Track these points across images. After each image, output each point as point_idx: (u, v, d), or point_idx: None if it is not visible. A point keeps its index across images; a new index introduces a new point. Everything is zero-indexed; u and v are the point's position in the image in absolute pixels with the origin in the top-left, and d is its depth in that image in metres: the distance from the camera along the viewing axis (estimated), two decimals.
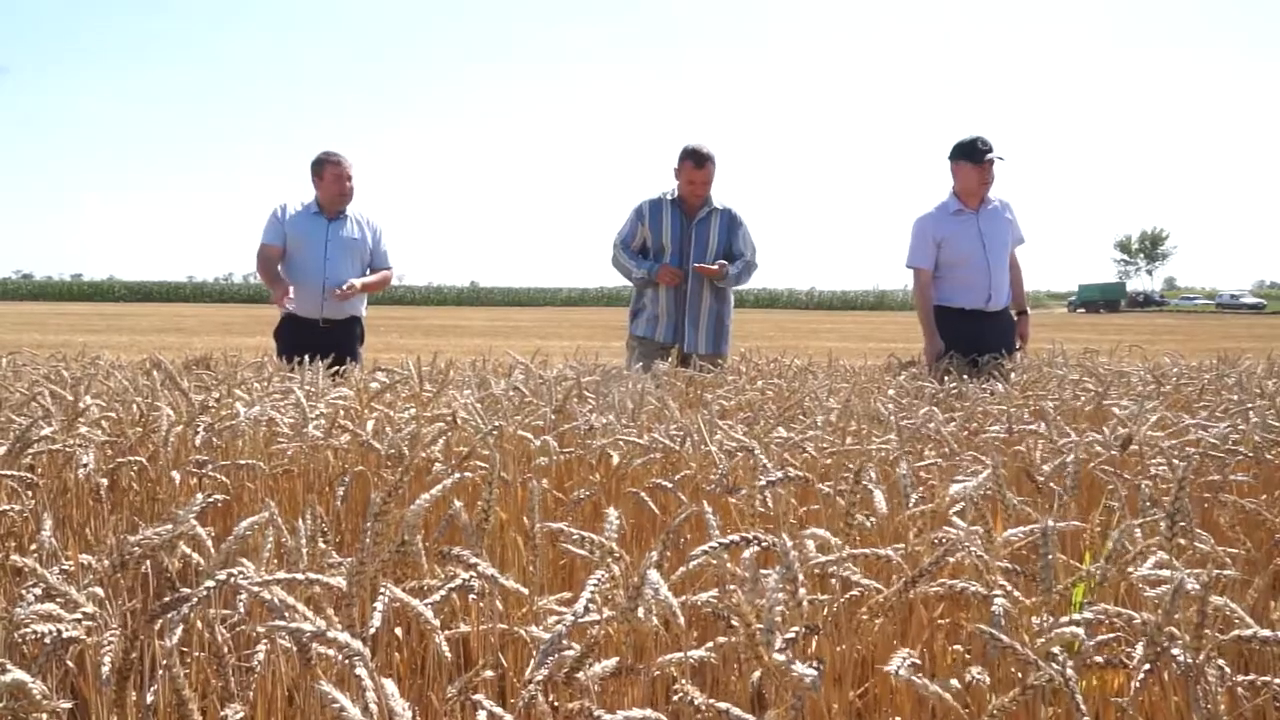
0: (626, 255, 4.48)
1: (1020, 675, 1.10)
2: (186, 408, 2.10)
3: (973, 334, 4.30)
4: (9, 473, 1.66)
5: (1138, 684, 0.90)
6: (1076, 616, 0.97)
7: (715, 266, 4.30)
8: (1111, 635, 1.02)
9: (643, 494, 1.71)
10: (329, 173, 4.46)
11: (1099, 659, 0.97)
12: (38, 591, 1.04)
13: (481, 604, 1.24)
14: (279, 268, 4.50)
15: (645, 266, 4.40)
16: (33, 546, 1.38)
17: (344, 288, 4.37)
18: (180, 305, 50.12)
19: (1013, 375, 3.48)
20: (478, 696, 0.88)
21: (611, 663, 0.93)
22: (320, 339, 4.30)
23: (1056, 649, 0.93)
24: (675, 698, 0.84)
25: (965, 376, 3.31)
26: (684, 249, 4.39)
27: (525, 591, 1.15)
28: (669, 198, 4.44)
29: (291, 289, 4.36)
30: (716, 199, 4.46)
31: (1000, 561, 1.10)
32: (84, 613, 1.01)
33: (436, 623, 0.98)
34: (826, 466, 1.87)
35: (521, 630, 1.17)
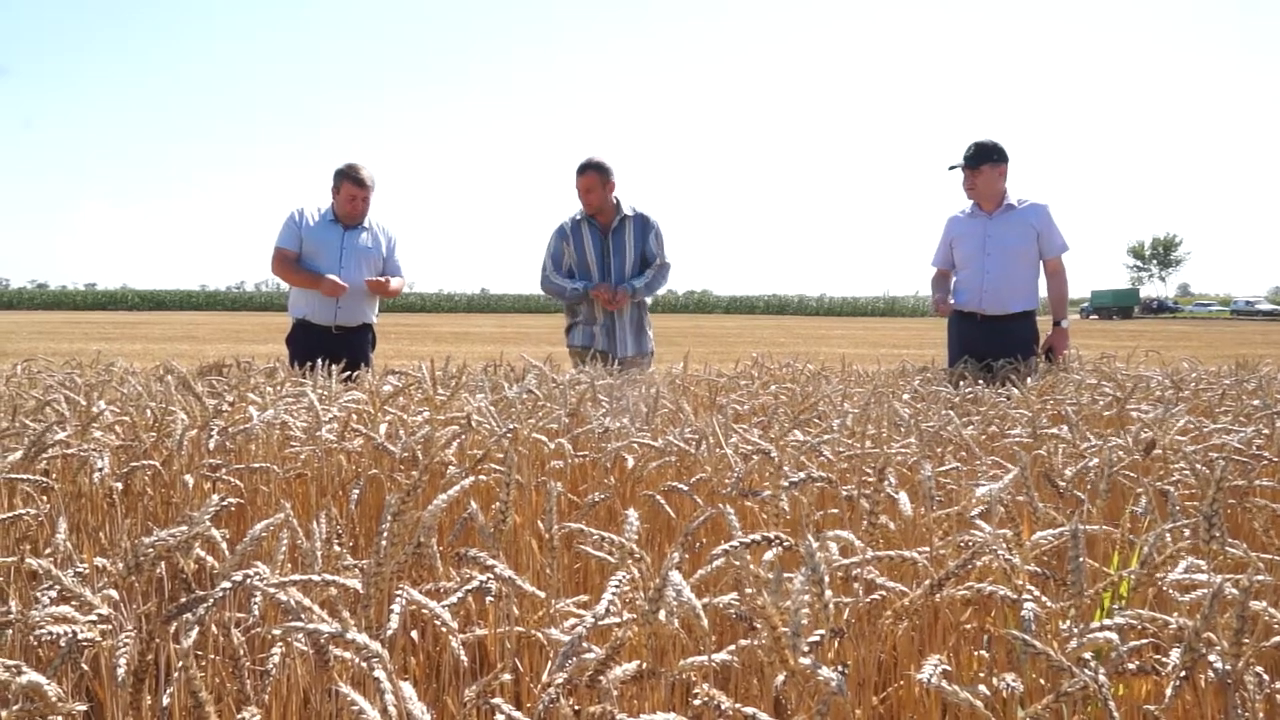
0: (559, 276, 4.64)
1: (1047, 682, 1.08)
2: (200, 412, 2.10)
3: (970, 337, 4.30)
4: (24, 476, 1.66)
5: (1172, 691, 0.88)
6: (1109, 622, 0.95)
7: (618, 296, 4.47)
8: (1143, 641, 1.00)
9: (658, 497, 1.70)
10: (345, 191, 4.44)
11: (1131, 665, 0.94)
12: (53, 594, 1.04)
13: (499, 606, 1.22)
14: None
15: (579, 284, 4.57)
16: (48, 550, 1.38)
17: (386, 283, 4.41)
18: (193, 313, 50.37)
19: (1028, 381, 3.45)
20: (496, 700, 0.87)
21: (632, 666, 0.91)
22: (332, 345, 4.30)
23: (1088, 655, 0.91)
24: (697, 701, 0.82)
25: (979, 381, 3.29)
26: (606, 262, 4.56)
27: (542, 595, 1.14)
28: (582, 215, 4.60)
29: (334, 278, 4.33)
30: (629, 205, 4.60)
31: (1028, 565, 1.08)
32: (99, 615, 1.00)
33: (454, 625, 0.97)
34: (843, 470, 1.85)
35: (538, 633, 1.15)
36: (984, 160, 4.26)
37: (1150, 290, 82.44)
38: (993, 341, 4.18)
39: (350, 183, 4.42)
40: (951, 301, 4.45)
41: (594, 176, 4.47)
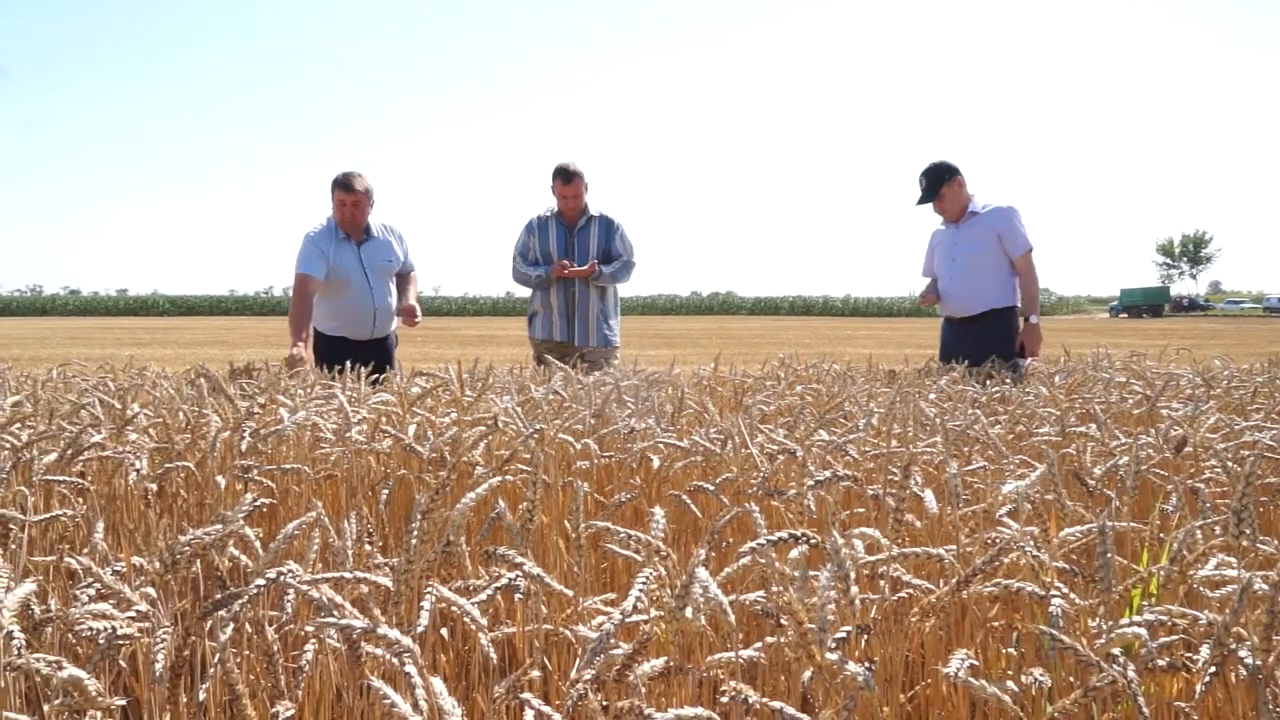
0: (524, 265, 4.94)
1: (1075, 679, 1.07)
2: (233, 414, 2.13)
3: (952, 339, 4.62)
4: (61, 478, 1.69)
5: (1203, 687, 0.87)
6: (1138, 618, 0.94)
7: (586, 267, 4.74)
8: (1173, 638, 0.99)
9: (684, 496, 1.70)
10: (335, 199, 4.41)
11: (1162, 662, 0.94)
12: (91, 591, 1.06)
13: (528, 604, 1.24)
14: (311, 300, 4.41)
15: (541, 269, 4.86)
16: (84, 550, 1.40)
17: (417, 318, 4.56)
18: (222, 318, 50.93)
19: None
20: (525, 695, 0.88)
21: (660, 662, 0.92)
22: (355, 351, 4.33)
23: (1117, 650, 0.91)
24: (725, 698, 0.83)
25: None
26: (569, 256, 4.83)
27: (570, 593, 1.15)
28: (550, 213, 4.91)
29: (298, 351, 4.16)
30: (594, 207, 4.90)
31: (1056, 562, 1.08)
32: (137, 611, 1.02)
33: (484, 622, 0.98)
34: (869, 470, 1.84)
35: (567, 630, 1.16)
36: (940, 185, 4.56)
37: (1180, 288, 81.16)
38: (970, 341, 4.45)
39: (339, 189, 4.39)
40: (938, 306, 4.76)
41: (581, 184, 4.80)
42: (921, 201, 4.62)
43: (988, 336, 4.45)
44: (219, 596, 0.94)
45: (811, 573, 0.97)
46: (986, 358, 4.00)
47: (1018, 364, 4.29)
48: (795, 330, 28.78)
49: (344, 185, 4.40)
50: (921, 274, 4.86)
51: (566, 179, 4.77)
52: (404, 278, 4.76)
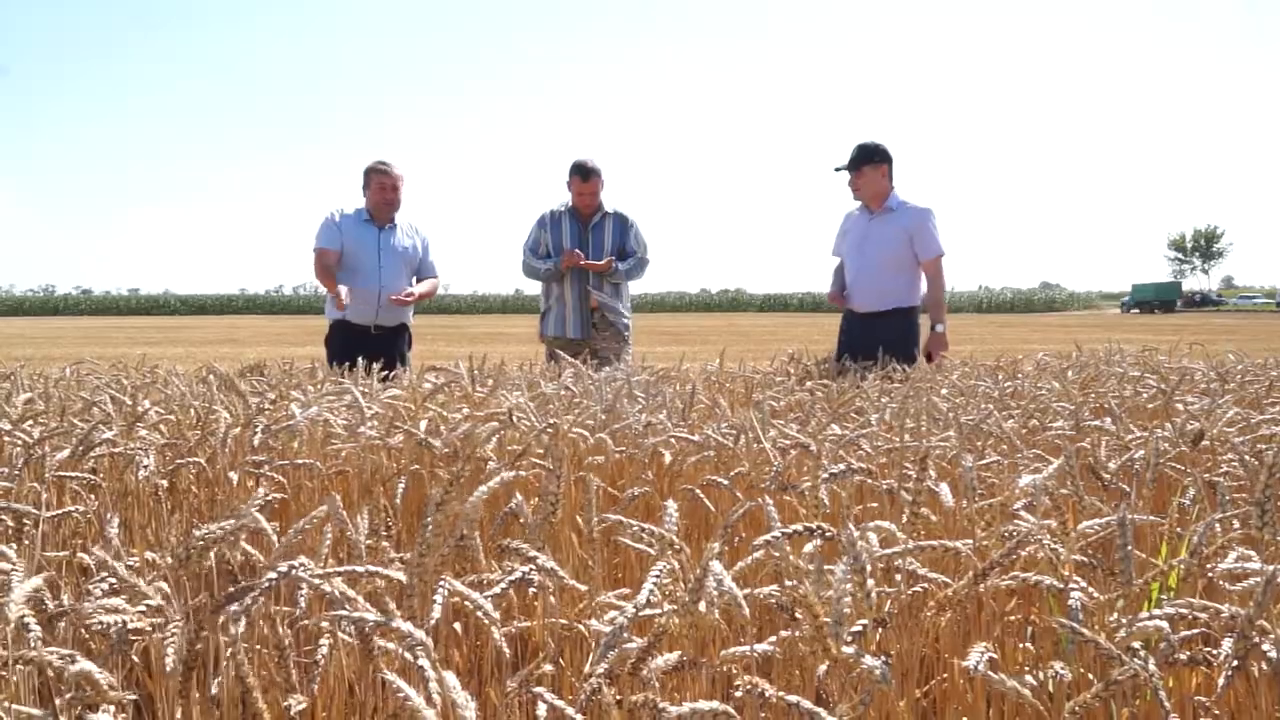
0: (534, 258, 4.94)
1: (1095, 675, 1.06)
2: (244, 410, 2.13)
3: (851, 332, 4.52)
4: (73, 474, 1.69)
5: (1224, 681, 0.86)
6: (1159, 611, 0.93)
7: (603, 262, 4.74)
8: (1193, 632, 0.98)
9: (697, 491, 1.69)
10: (374, 182, 4.61)
11: (1183, 656, 0.93)
12: (104, 586, 1.06)
13: (541, 598, 1.23)
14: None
15: (551, 261, 4.85)
16: (96, 546, 1.40)
17: (404, 294, 4.49)
18: (233, 317, 51.16)
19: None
20: (539, 690, 0.87)
21: (674, 656, 0.91)
22: (370, 345, 4.36)
23: (1137, 644, 0.89)
24: (739, 692, 0.82)
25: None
26: (583, 252, 4.80)
27: (583, 588, 1.14)
28: (564, 208, 4.91)
29: (345, 291, 4.41)
30: (608, 204, 4.90)
31: (1074, 555, 1.07)
32: (150, 605, 1.02)
33: (497, 616, 0.98)
34: (882, 465, 1.83)
35: (580, 625, 1.16)
36: (864, 162, 4.45)
37: (1192, 283, 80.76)
38: (867, 337, 4.32)
39: (379, 175, 4.59)
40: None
41: (599, 181, 4.80)
42: (839, 169, 4.52)
43: (888, 335, 4.29)
44: (232, 590, 0.94)
45: (826, 567, 0.97)
46: (885, 356, 3.85)
47: (910, 360, 4.08)
48: (805, 327, 28.73)
49: (384, 171, 4.61)
50: (832, 253, 4.75)
51: (585, 176, 4.78)
52: (422, 281, 4.83)
